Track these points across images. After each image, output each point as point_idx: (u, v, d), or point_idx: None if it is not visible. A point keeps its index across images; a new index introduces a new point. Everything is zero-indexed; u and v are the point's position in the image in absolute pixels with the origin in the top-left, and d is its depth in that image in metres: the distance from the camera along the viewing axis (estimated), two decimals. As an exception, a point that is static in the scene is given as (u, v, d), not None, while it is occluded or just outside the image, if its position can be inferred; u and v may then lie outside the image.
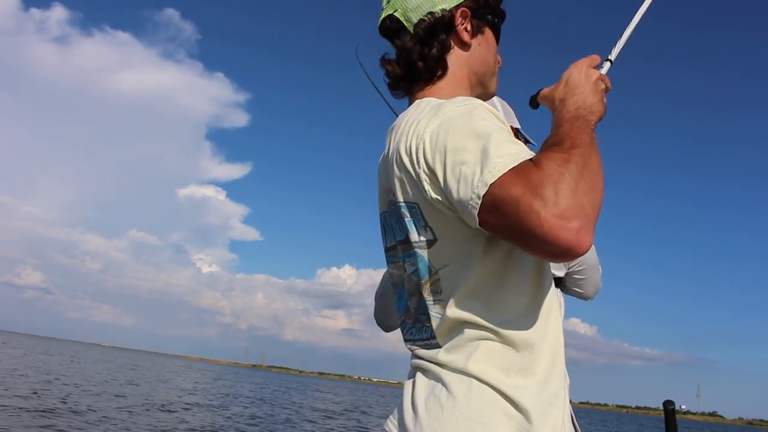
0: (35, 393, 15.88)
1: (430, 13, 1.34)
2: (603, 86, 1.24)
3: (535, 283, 1.19)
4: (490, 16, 1.39)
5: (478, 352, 1.13)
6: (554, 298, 1.24)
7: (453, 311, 1.17)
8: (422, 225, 1.20)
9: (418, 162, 1.15)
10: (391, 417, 1.27)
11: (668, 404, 2.58)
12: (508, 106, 2.26)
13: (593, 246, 2.51)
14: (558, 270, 2.43)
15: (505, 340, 1.13)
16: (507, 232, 1.03)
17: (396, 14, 1.37)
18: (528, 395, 1.10)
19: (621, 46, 1.42)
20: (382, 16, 1.41)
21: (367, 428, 21.27)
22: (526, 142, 2.20)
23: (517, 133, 2.17)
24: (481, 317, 1.14)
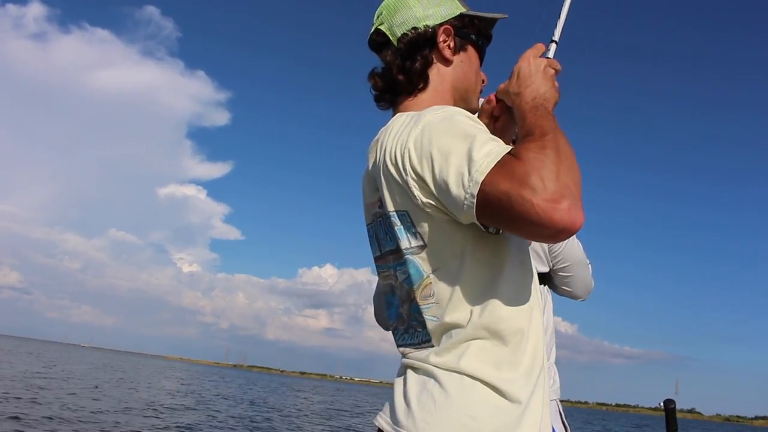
0: (6, 394, 15.51)
1: (414, 28, 1.40)
2: (552, 72, 1.31)
3: (521, 280, 1.25)
4: (474, 36, 1.45)
5: (469, 351, 1.17)
6: (537, 292, 1.28)
7: (445, 313, 1.22)
8: (412, 232, 1.25)
9: (405, 170, 1.20)
10: (381, 413, 1.28)
11: (669, 403, 2.52)
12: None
13: (579, 243, 2.39)
14: (541, 265, 2.33)
15: (494, 337, 1.18)
16: (505, 224, 1.10)
17: (382, 28, 1.45)
18: (518, 387, 1.15)
19: (562, 25, 1.46)
20: (371, 30, 1.47)
21: (351, 428, 21.12)
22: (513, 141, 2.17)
23: None
24: (472, 317, 1.19)
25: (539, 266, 2.32)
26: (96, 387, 23.59)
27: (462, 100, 1.46)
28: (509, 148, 1.10)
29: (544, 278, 2.38)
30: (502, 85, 1.36)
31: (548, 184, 1.02)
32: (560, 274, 2.37)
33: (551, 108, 1.23)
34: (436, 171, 1.14)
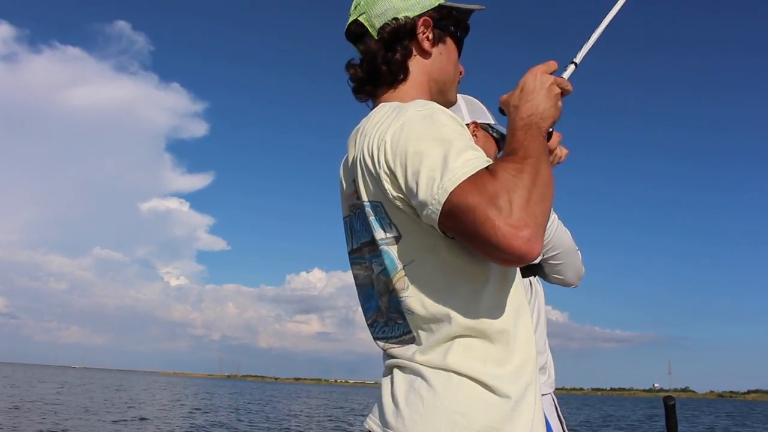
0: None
1: (395, 18, 1.39)
2: (557, 91, 1.28)
3: (500, 274, 1.24)
4: (452, 28, 1.45)
5: (454, 348, 1.18)
6: (521, 288, 1.29)
7: (423, 306, 1.22)
8: (387, 222, 1.25)
9: (379, 162, 1.21)
10: (371, 414, 1.29)
11: (668, 400, 2.56)
12: (478, 103, 2.26)
13: (568, 230, 2.34)
14: None
15: (478, 333, 1.18)
16: (464, 237, 1.10)
17: (361, 18, 1.44)
18: (505, 382, 1.16)
19: (587, 50, 1.43)
20: (349, 21, 1.46)
21: (346, 429, 21.05)
22: (502, 136, 2.25)
23: (489, 128, 2.23)
24: (453, 312, 1.19)
25: None
26: (83, 409, 23.30)
27: (440, 92, 1.45)
28: (487, 161, 1.11)
29: (534, 268, 2.34)
30: (504, 96, 1.32)
31: (515, 210, 1.03)
32: (551, 262, 2.33)
33: (546, 128, 1.23)
34: (408, 170, 1.14)
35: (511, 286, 1.25)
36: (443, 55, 1.44)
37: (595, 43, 1.45)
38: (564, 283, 2.42)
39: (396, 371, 1.26)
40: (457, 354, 1.17)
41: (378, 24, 1.41)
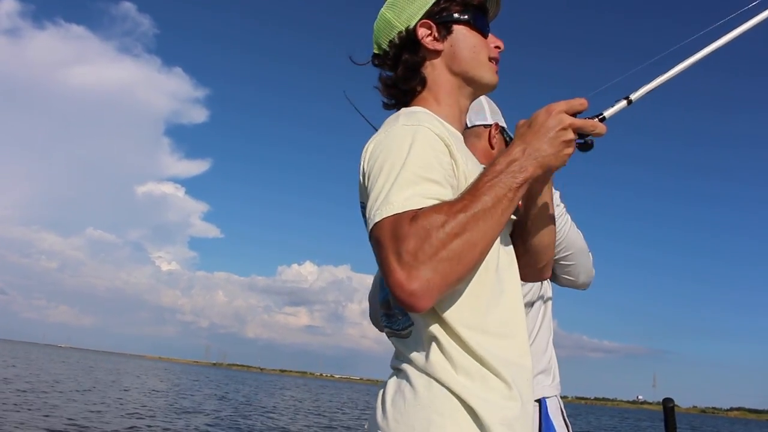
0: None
1: (397, 35, 1.41)
2: (567, 137, 1.17)
3: (484, 281, 1.22)
4: (456, 14, 1.41)
5: (434, 351, 1.18)
6: (495, 289, 1.25)
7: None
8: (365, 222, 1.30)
9: (360, 166, 1.26)
10: (369, 418, 1.32)
11: (668, 402, 2.51)
12: (494, 105, 2.23)
13: (580, 232, 2.20)
14: None
15: (455, 340, 1.18)
16: (377, 263, 1.12)
17: (376, 50, 1.47)
18: (473, 395, 1.14)
19: (648, 90, 1.28)
20: (372, 55, 1.49)
21: (332, 426, 20.95)
22: (510, 139, 2.18)
23: (502, 131, 2.19)
24: (435, 315, 1.19)
25: None
26: (60, 387, 23.15)
27: (468, 81, 1.42)
28: (428, 200, 1.10)
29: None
30: (521, 121, 1.22)
31: (413, 261, 1.03)
32: (562, 263, 2.24)
33: (527, 178, 1.14)
34: (369, 182, 1.19)
35: (500, 295, 1.24)
36: (455, 45, 1.40)
37: (659, 86, 1.29)
38: (574, 285, 2.33)
39: (392, 376, 1.27)
40: (434, 358, 1.17)
41: (385, 46, 1.44)
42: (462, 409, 1.13)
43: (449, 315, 1.18)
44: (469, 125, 2.13)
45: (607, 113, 1.24)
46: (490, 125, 2.18)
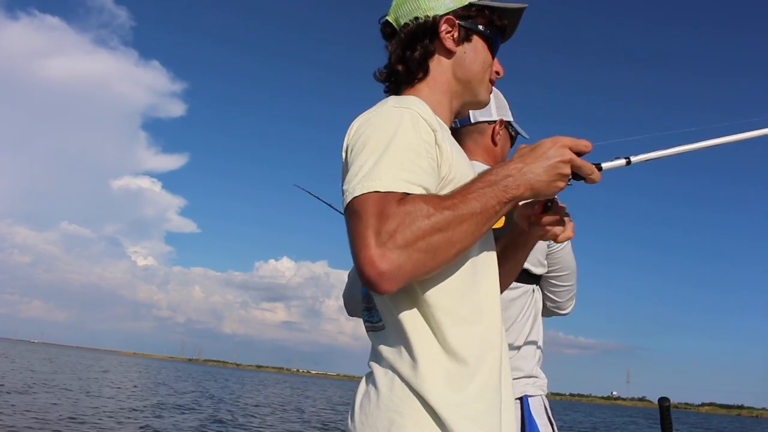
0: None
1: (416, 18, 1.41)
2: (563, 171, 1.19)
3: (455, 276, 1.22)
4: (482, 27, 1.43)
5: (400, 345, 1.19)
6: (470, 297, 1.24)
7: (378, 300, 1.25)
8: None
9: (343, 143, 1.27)
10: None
11: (663, 401, 2.52)
12: (502, 98, 2.21)
13: (572, 250, 2.20)
14: (535, 267, 2.15)
15: (423, 329, 1.18)
16: (348, 234, 1.12)
17: (389, 18, 1.46)
18: (434, 392, 1.14)
19: (649, 158, 1.31)
20: (381, 20, 1.49)
21: (307, 420, 20.91)
22: (517, 134, 2.23)
23: (509, 126, 2.18)
24: (401, 313, 1.19)
25: (534, 268, 2.14)
26: (35, 383, 22.84)
27: (465, 92, 1.45)
28: (415, 187, 1.11)
29: (537, 278, 2.22)
30: (524, 145, 1.24)
31: (391, 243, 1.03)
32: (552, 281, 2.22)
33: (517, 197, 1.15)
34: (349, 156, 1.20)
35: (467, 288, 1.23)
36: (469, 53, 1.43)
37: (663, 157, 1.32)
38: (556, 307, 2.30)
39: (362, 379, 1.28)
40: (398, 357, 1.18)
41: (402, 23, 1.43)
42: (422, 408, 1.14)
43: (419, 299, 1.18)
44: (472, 121, 2.12)
45: (605, 165, 1.27)
46: (495, 121, 2.16)
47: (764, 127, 1.43)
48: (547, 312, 2.31)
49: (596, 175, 1.23)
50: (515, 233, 1.49)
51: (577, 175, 1.22)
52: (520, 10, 1.48)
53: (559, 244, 2.14)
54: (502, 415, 1.22)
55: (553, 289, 2.24)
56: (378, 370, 1.22)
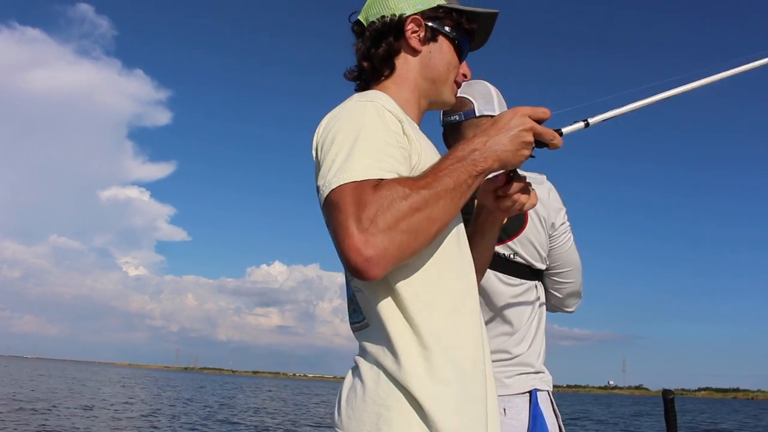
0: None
1: (383, 16, 1.44)
2: (527, 139, 1.22)
3: (436, 274, 1.24)
4: (448, 29, 1.46)
5: (384, 340, 1.20)
6: (446, 292, 1.26)
7: (365, 297, 1.26)
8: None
9: (313, 141, 1.30)
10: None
11: (667, 394, 2.46)
12: (502, 98, 2.18)
13: (575, 247, 2.17)
14: (537, 261, 2.13)
15: (405, 322, 1.19)
16: (329, 229, 1.15)
17: (360, 17, 1.50)
18: (418, 385, 1.15)
19: (608, 117, 1.35)
20: (352, 20, 1.52)
21: (305, 422, 20.84)
22: None
23: None
24: (382, 309, 1.21)
25: (535, 263, 2.13)
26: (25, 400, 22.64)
27: (430, 91, 1.48)
28: (387, 172, 1.13)
29: (539, 275, 2.20)
30: (486, 119, 1.29)
31: (373, 228, 1.05)
32: (554, 278, 2.21)
33: (486, 169, 1.18)
34: (320, 154, 1.23)
35: (442, 279, 1.24)
36: (434, 54, 1.46)
37: (621, 115, 1.35)
38: (559, 304, 2.30)
39: (349, 373, 1.29)
40: (381, 351, 1.20)
41: (372, 20, 1.46)
42: (407, 401, 1.15)
43: (396, 293, 1.20)
44: (477, 114, 2.10)
45: (565, 130, 1.30)
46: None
47: (715, 74, 1.45)
48: (551, 307, 2.30)
49: (558, 140, 1.26)
50: (482, 214, 1.52)
51: (540, 142, 1.25)
52: (491, 15, 1.50)
53: (561, 240, 2.14)
54: (488, 402, 1.24)
55: (555, 285, 2.22)
56: (364, 365, 1.23)
